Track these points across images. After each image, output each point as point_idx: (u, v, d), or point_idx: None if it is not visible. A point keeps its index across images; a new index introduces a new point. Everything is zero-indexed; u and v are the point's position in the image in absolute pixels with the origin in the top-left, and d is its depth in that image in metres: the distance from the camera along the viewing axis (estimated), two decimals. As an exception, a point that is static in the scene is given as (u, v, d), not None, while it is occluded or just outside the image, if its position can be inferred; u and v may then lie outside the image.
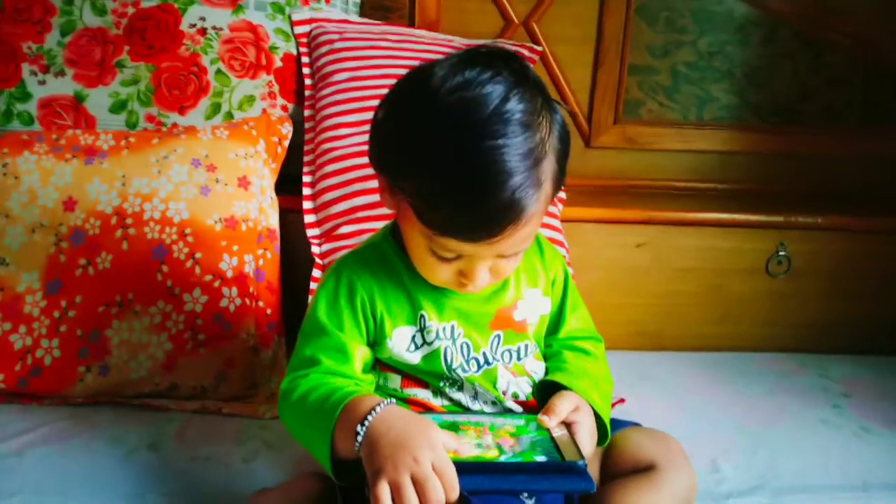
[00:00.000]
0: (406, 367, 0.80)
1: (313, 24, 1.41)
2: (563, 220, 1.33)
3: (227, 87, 1.35)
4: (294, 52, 1.40)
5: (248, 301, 1.16)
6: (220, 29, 1.36)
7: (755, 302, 1.48)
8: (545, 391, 0.82)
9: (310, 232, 1.25)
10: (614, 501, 0.75)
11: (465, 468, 0.65)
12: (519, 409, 0.81)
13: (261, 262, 1.21)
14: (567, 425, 0.75)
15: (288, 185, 1.32)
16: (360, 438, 0.66)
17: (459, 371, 0.80)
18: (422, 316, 0.79)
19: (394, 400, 0.72)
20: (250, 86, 1.37)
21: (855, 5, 1.63)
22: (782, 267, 1.46)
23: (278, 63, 1.39)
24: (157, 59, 1.33)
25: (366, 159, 1.23)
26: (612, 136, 1.63)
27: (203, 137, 1.24)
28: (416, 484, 0.62)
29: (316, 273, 1.21)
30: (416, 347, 0.80)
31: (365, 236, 1.22)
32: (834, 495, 0.94)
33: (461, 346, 0.80)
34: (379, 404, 0.68)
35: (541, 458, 0.68)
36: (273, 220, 1.27)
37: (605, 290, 1.44)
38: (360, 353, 0.79)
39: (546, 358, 0.87)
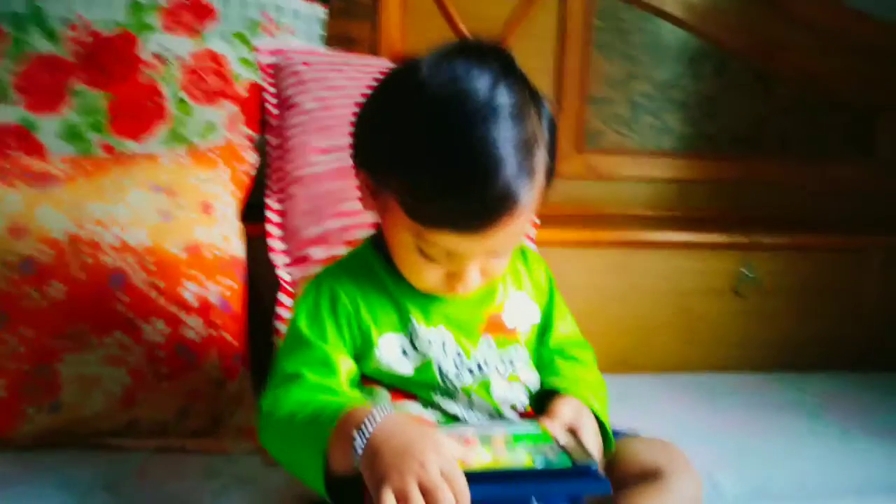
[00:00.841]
0: (395, 379, 0.76)
1: (278, 56, 1.39)
2: (534, 244, 1.32)
3: (187, 114, 1.32)
4: (258, 81, 1.38)
5: (212, 332, 1.10)
6: (182, 57, 1.33)
7: (723, 323, 1.49)
8: (542, 401, 0.79)
9: (277, 258, 1.21)
10: (622, 510, 0.72)
11: (475, 476, 0.60)
12: (517, 418, 0.77)
13: (227, 292, 1.15)
14: (570, 431, 0.72)
15: (252, 213, 1.28)
16: (358, 448, 0.61)
17: (455, 381, 0.76)
18: (411, 322, 0.76)
19: (392, 408, 0.67)
20: (212, 114, 1.33)
21: (800, 41, 1.71)
22: (749, 287, 1.48)
23: (242, 92, 1.36)
24: (114, 88, 1.29)
25: (338, 184, 1.22)
26: (574, 166, 1.64)
27: (164, 163, 1.19)
28: (424, 492, 0.57)
29: (284, 298, 1.16)
30: (407, 357, 0.76)
31: (336, 261, 1.20)
32: (832, 500, 0.94)
33: (454, 355, 0.77)
34: (377, 412, 0.63)
35: (552, 463, 0.64)
36: (237, 249, 1.21)
37: (575, 313, 1.42)
38: (346, 366, 0.74)
39: (538, 369, 0.83)
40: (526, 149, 0.66)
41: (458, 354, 0.77)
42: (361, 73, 1.37)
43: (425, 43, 1.58)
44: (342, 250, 1.16)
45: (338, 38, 1.50)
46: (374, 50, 1.51)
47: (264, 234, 1.24)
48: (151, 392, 1.03)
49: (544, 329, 0.86)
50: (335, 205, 1.20)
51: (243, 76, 1.37)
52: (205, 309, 1.10)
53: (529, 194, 0.66)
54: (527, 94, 0.68)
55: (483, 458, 0.64)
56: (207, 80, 1.33)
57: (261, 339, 1.18)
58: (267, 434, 0.71)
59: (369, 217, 1.17)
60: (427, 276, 0.72)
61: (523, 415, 0.79)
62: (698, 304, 1.47)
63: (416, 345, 0.76)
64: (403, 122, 0.67)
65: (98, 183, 1.14)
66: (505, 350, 0.79)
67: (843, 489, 0.96)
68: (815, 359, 1.52)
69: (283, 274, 1.19)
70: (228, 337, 1.13)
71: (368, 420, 0.62)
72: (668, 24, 1.67)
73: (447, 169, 0.64)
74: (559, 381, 0.80)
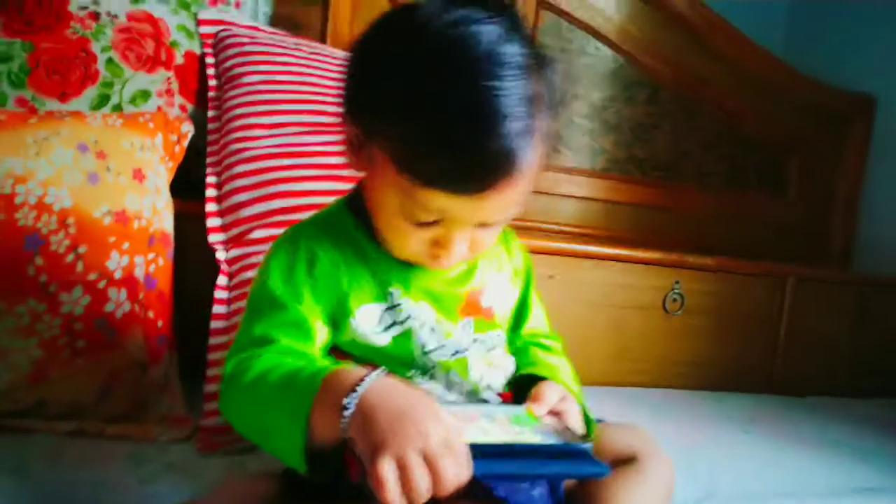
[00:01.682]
0: (369, 351, 0.69)
1: (221, 26, 1.31)
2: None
3: (118, 78, 1.21)
4: (197, 51, 1.29)
5: (136, 309, 0.99)
6: (116, 16, 1.22)
7: (652, 338, 1.52)
8: (519, 386, 0.75)
9: (213, 237, 1.11)
10: (607, 495, 0.69)
11: (475, 450, 0.55)
12: (497, 399, 0.73)
13: (152, 267, 1.05)
14: (556, 415, 0.68)
15: (182, 189, 1.18)
16: (347, 412, 0.54)
17: (434, 355, 0.70)
18: (391, 293, 0.70)
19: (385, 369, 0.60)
20: (146, 80, 1.23)
21: (723, 79, 1.81)
22: (676, 304, 1.51)
23: (179, 60, 1.26)
24: (36, 38, 1.16)
25: (283, 161, 1.15)
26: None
27: (92, 123, 1.08)
28: (427, 461, 0.51)
29: (221, 279, 1.07)
30: (385, 328, 0.70)
31: (281, 242, 1.12)
32: (776, 500, 0.95)
33: (431, 330, 0.72)
34: (369, 374, 0.57)
35: (550, 445, 0.60)
36: (167, 224, 1.11)
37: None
38: (321, 333, 0.67)
39: (512, 354, 0.80)
40: (531, 107, 0.61)
41: (436, 332, 0.72)
42: (309, 55, 1.31)
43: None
44: (287, 232, 1.09)
45: (284, 20, 1.43)
46: (321, 37, 1.46)
47: (190, 212, 1.15)
48: (66, 369, 0.91)
49: (519, 315, 0.83)
50: (281, 184, 1.13)
51: (182, 44, 1.27)
52: (130, 283, 1.00)
53: (531, 158, 0.61)
54: (534, 51, 0.64)
55: (482, 435, 0.59)
56: (143, 43, 1.23)
57: (184, 326, 1.08)
58: (231, 400, 0.63)
59: (316, 199, 1.14)
60: (410, 243, 0.66)
61: (501, 397, 0.75)
62: (630, 318, 1.49)
63: (395, 316, 0.70)
64: (401, 66, 0.61)
65: (16, 135, 1.01)
66: (484, 334, 0.75)
67: (782, 492, 0.98)
68: (729, 381, 1.57)
69: (221, 254, 1.09)
70: (153, 317, 1.02)
71: (362, 380, 0.56)
72: (607, 51, 1.72)
73: (446, 120, 0.58)
74: (538, 367, 0.76)
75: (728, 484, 0.98)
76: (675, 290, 1.51)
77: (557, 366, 0.79)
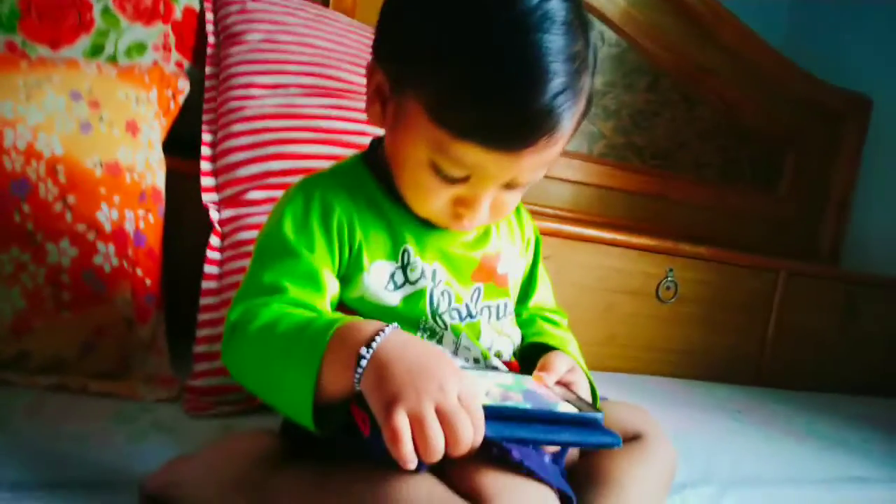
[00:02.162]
0: (378, 310, 0.67)
1: (222, -18, 1.27)
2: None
3: (114, 28, 1.16)
4: (196, 7, 1.25)
5: (125, 264, 0.96)
6: (114, -37, 1.17)
7: (642, 325, 1.51)
8: (526, 357, 0.73)
9: (206, 196, 1.08)
10: (611, 469, 0.67)
11: (490, 411, 0.53)
12: (504, 367, 0.71)
13: (142, 223, 1.01)
14: (565, 385, 0.66)
15: (173, 148, 1.14)
16: (363, 363, 0.52)
17: (446, 317, 0.68)
18: (405, 250, 0.68)
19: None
20: (143, 32, 1.19)
21: (724, 69, 1.80)
22: (670, 292, 1.51)
23: (178, 15, 1.22)
24: (28, -21, 1.11)
25: (283, 122, 1.12)
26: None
27: (86, 70, 1.04)
28: (442, 417, 0.49)
29: (214, 240, 1.03)
30: (396, 286, 0.67)
31: (277, 204, 1.09)
32: (770, 486, 0.95)
33: (442, 293, 0.69)
34: (386, 326, 0.54)
35: (562, 412, 0.58)
36: (159, 180, 1.07)
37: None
38: (332, 286, 0.65)
39: (519, 326, 0.78)
40: (576, 67, 0.59)
41: (448, 294, 0.70)
42: (311, 15, 1.28)
43: (377, 4, 1.53)
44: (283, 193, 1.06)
45: (287, -19, 1.39)
46: (324, 2, 1.42)
47: (182, 171, 1.11)
48: (50, 321, 0.87)
49: (527, 287, 0.81)
50: (279, 145, 1.09)
51: (181, -2, 1.23)
52: (119, 237, 0.96)
53: (571, 119, 0.60)
54: (579, 9, 0.61)
55: (495, 398, 0.57)
56: (141, -6, 1.18)
57: (173, 286, 1.05)
58: (235, 348, 0.60)
59: (314, 163, 1.11)
60: (433, 200, 0.64)
61: (508, 365, 0.73)
62: (622, 304, 1.48)
63: (408, 275, 0.68)
64: (446, 11, 0.58)
65: (7, 79, 0.96)
66: (494, 301, 0.73)
67: (779, 478, 0.98)
68: (717, 371, 1.57)
69: (214, 213, 1.06)
70: (142, 274, 0.99)
71: (381, 332, 0.53)
72: (610, 35, 1.71)
73: (492, 69, 0.56)
74: (546, 338, 0.74)
75: (725, 469, 0.97)
76: (669, 278, 1.50)
77: (564, 338, 0.77)
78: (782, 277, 1.61)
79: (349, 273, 0.66)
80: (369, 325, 0.54)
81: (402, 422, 0.48)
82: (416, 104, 0.60)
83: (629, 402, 0.97)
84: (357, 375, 0.52)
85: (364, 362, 0.52)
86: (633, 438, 0.72)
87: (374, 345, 0.52)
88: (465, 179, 0.62)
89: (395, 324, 0.56)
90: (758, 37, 1.81)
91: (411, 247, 0.68)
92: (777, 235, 1.89)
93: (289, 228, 0.64)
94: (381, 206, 0.68)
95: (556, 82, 0.57)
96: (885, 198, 1.95)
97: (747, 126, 1.87)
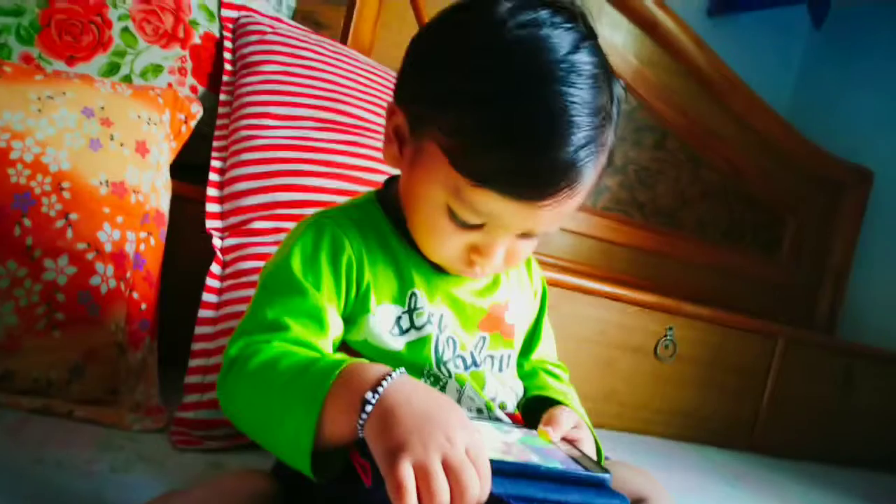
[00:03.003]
0: (382, 355, 0.65)
1: (244, 12, 1.27)
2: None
3: (132, 48, 1.16)
4: (216, 33, 1.25)
5: (122, 286, 0.94)
6: (137, -15, 1.18)
7: (640, 382, 1.49)
8: (529, 410, 0.71)
9: (211, 223, 1.06)
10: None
11: (496, 467, 0.50)
12: (507, 419, 0.69)
13: (142, 246, 0.99)
14: (570, 442, 0.64)
15: (179, 172, 1.13)
16: (368, 408, 0.49)
17: (450, 365, 0.66)
18: (413, 294, 0.66)
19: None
20: (160, 55, 1.18)
21: (732, 134, 1.83)
22: (668, 351, 1.49)
23: (196, 40, 1.22)
24: (51, -6, 1.11)
25: (293, 153, 1.11)
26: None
27: (100, 88, 1.03)
28: (449, 470, 0.47)
29: (215, 268, 1.01)
30: (402, 331, 0.65)
31: (283, 236, 1.07)
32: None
33: (447, 339, 0.67)
34: (393, 371, 0.52)
35: (569, 470, 0.56)
36: (164, 203, 1.06)
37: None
38: (335, 328, 0.63)
39: (521, 378, 0.76)
40: (600, 120, 0.58)
41: (453, 341, 0.68)
42: (329, 51, 1.28)
43: (394, 46, 1.55)
44: (289, 224, 1.05)
45: (305, 18, 1.41)
46: (343, 39, 1.43)
47: (187, 195, 1.10)
48: (40, 340, 0.85)
49: (531, 340, 0.79)
50: (289, 176, 1.09)
51: (201, 24, 1.23)
52: (119, 258, 0.94)
53: (593, 172, 0.59)
54: (606, 63, 0.62)
55: (500, 452, 0.55)
56: (162, 17, 1.19)
57: (167, 313, 1.02)
58: (232, 384, 0.57)
59: (322, 196, 1.09)
60: (447, 245, 0.63)
61: (511, 417, 0.70)
62: (621, 359, 1.46)
63: (415, 320, 0.66)
64: (473, 56, 0.58)
65: (20, 90, 0.95)
66: (497, 352, 0.71)
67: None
68: (711, 434, 1.54)
69: (217, 241, 1.04)
70: (138, 298, 0.96)
71: (388, 377, 0.51)
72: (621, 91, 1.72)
73: (515, 117, 0.55)
74: (550, 392, 0.73)
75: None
76: (668, 337, 1.48)
77: (568, 393, 0.75)
78: (780, 344, 1.60)
79: (354, 313, 0.64)
80: (376, 369, 0.52)
81: (407, 474, 0.46)
82: (434, 147, 0.59)
83: (629, 462, 0.95)
84: (361, 421, 0.50)
85: (369, 408, 0.49)
86: (637, 501, 0.70)
87: (380, 390, 0.50)
88: (479, 227, 0.61)
89: (402, 368, 0.53)
90: (765, 105, 1.84)
91: (419, 291, 0.66)
92: (775, 300, 1.89)
93: (297, 263, 0.62)
94: (392, 247, 0.67)
95: (580, 135, 0.56)
96: (882, 270, 1.96)
97: (751, 190, 1.88)
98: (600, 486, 0.56)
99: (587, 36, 0.61)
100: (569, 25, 0.59)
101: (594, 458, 0.64)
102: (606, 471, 0.57)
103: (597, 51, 0.60)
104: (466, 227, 0.61)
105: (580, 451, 0.62)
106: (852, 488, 1.41)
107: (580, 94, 0.57)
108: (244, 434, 0.87)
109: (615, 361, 1.46)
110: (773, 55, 2.21)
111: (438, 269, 0.67)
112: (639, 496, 0.70)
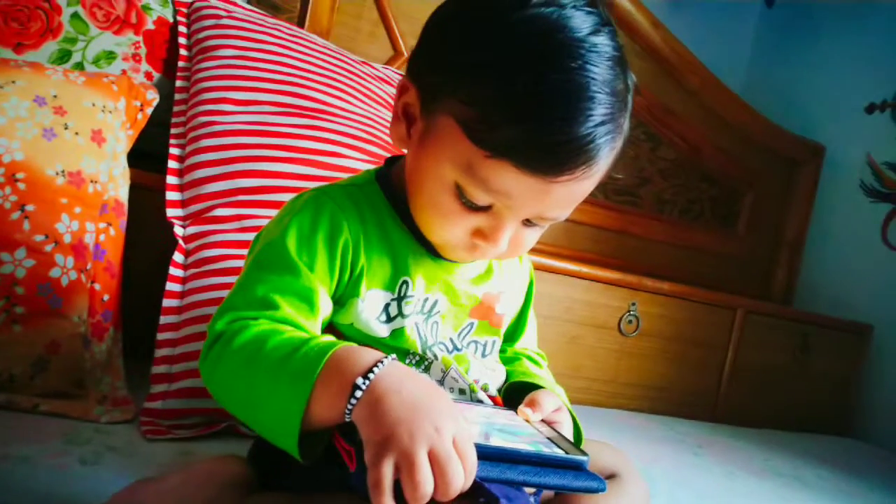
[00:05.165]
0: (368, 340, 0.64)
1: (198, -4, 1.25)
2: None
3: (83, 35, 1.13)
4: (170, 18, 1.23)
5: (83, 278, 0.92)
6: (86, -31, 1.14)
7: (605, 357, 1.51)
8: (510, 394, 0.72)
9: (171, 212, 1.05)
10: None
11: (481, 451, 0.51)
12: (489, 401, 0.70)
13: (102, 237, 0.97)
14: (549, 424, 0.65)
15: (136, 160, 1.11)
16: (358, 394, 0.49)
17: (436, 349, 0.66)
18: (405, 283, 0.65)
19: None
20: (112, 41, 1.16)
21: (689, 112, 1.85)
22: (632, 326, 1.52)
23: (150, 25, 1.20)
24: (-5, -19, 1.08)
25: (253, 139, 1.10)
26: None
27: (52, 76, 1.00)
28: (435, 461, 0.47)
29: (178, 257, 1.00)
30: (389, 318, 0.65)
31: (246, 222, 1.06)
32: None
33: (431, 325, 0.68)
34: (384, 357, 0.52)
35: (549, 454, 0.57)
36: (122, 193, 1.04)
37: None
38: (325, 309, 0.62)
39: (503, 363, 0.77)
40: (618, 103, 0.58)
41: (438, 326, 0.68)
42: (286, 35, 1.27)
43: (353, 30, 1.52)
44: (251, 211, 1.04)
45: (261, 2, 1.39)
46: (300, 22, 1.41)
47: (145, 184, 1.08)
48: (1, 335, 0.83)
49: (516, 328, 0.80)
50: (249, 162, 1.07)
51: (154, 9, 1.21)
52: (78, 250, 0.92)
53: (609, 154, 0.58)
54: (622, 54, 0.60)
55: (482, 436, 0.56)
56: (114, 2, 1.16)
57: (130, 307, 1.01)
58: (216, 360, 0.56)
59: (284, 182, 1.08)
60: (452, 228, 0.61)
61: (492, 399, 0.71)
62: (586, 335, 1.48)
63: (402, 308, 0.65)
64: (498, 27, 0.57)
65: (-34, 79, 0.93)
66: (482, 338, 0.72)
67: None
68: (675, 406, 1.58)
69: (179, 229, 1.03)
70: (100, 289, 0.95)
71: (379, 364, 0.51)
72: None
73: (539, 88, 0.54)
74: (532, 378, 0.73)
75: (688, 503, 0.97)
76: (632, 312, 1.51)
77: (548, 379, 0.76)
78: (739, 316, 1.64)
79: (344, 296, 0.64)
80: (367, 354, 0.52)
81: (387, 471, 0.46)
82: (449, 120, 0.58)
83: (595, 436, 0.97)
84: (350, 406, 0.49)
85: (359, 393, 0.49)
86: (609, 476, 0.71)
87: (371, 376, 0.50)
88: (487, 209, 0.60)
89: (394, 355, 0.53)
90: (721, 83, 1.87)
91: (412, 278, 0.66)
92: (734, 274, 1.93)
93: (292, 242, 0.61)
94: (389, 231, 0.66)
95: (600, 111, 0.55)
96: (835, 241, 2.02)
97: (708, 167, 1.91)
98: (578, 469, 0.56)
99: (606, 22, 0.60)
100: (589, 9, 0.59)
101: (571, 440, 0.65)
102: (584, 453, 0.58)
103: (615, 36, 0.60)
104: (473, 209, 0.60)
105: (559, 433, 0.63)
106: (810, 451, 1.46)
107: (601, 73, 0.56)
108: (213, 422, 0.88)
109: (581, 338, 1.48)
110: (728, 34, 2.24)
111: (434, 255, 0.67)
112: (611, 472, 0.72)
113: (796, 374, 1.74)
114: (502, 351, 0.77)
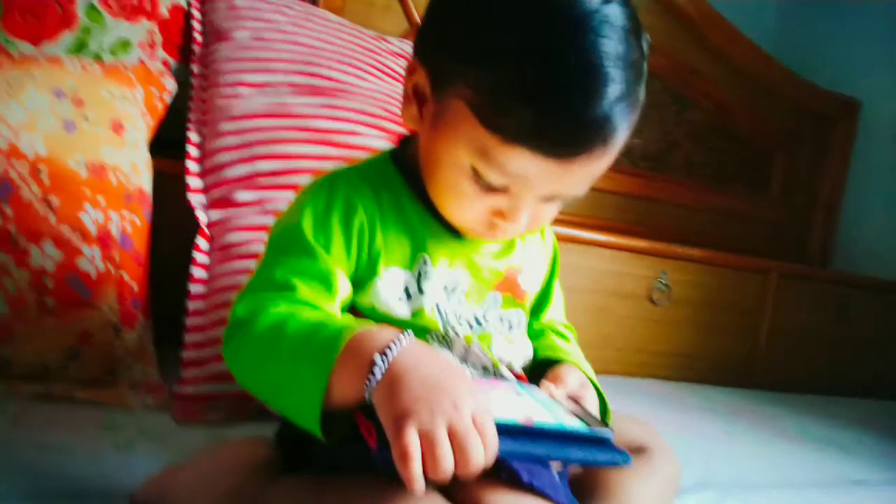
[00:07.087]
0: (387, 320, 0.64)
1: (210, -21, 1.24)
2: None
3: (98, 25, 1.13)
4: (183, 3, 1.22)
5: (111, 268, 0.93)
6: (98, -41, 1.14)
7: (634, 327, 1.50)
8: (536, 370, 0.71)
9: (193, 198, 1.05)
10: (615, 483, 0.66)
11: (502, 428, 0.50)
12: (512, 377, 0.69)
13: (128, 226, 0.98)
14: (574, 399, 0.64)
15: (157, 149, 1.11)
16: (377, 372, 0.49)
17: (458, 327, 0.66)
18: (424, 260, 0.65)
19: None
20: (128, 30, 1.16)
21: (714, 71, 1.80)
22: (663, 295, 1.50)
23: (164, 12, 1.20)
24: (11, -25, 1.08)
25: (272, 121, 1.09)
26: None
27: (69, 68, 1.01)
28: (454, 438, 0.47)
29: (201, 243, 1.01)
30: (409, 297, 0.64)
31: (268, 206, 1.06)
32: (770, 489, 0.94)
33: (454, 304, 0.67)
34: (401, 335, 0.52)
35: (574, 428, 0.56)
36: (146, 182, 1.05)
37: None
38: (343, 290, 0.62)
39: (530, 338, 0.76)
40: (635, 73, 0.56)
41: (462, 303, 0.67)
42: (299, 13, 1.25)
43: (367, 5, 1.49)
44: (272, 194, 1.04)
45: (275, -21, 1.37)
46: (311, 0, 1.40)
47: (169, 172, 1.09)
48: (33, 327, 0.85)
49: (541, 301, 0.78)
50: (268, 145, 1.07)
51: (168, -5, 1.20)
52: (105, 241, 0.93)
53: (626, 129, 0.57)
54: (636, 20, 0.58)
55: (504, 412, 0.55)
56: (127, -10, 1.16)
57: (155, 292, 1.02)
58: (238, 345, 0.57)
59: (304, 163, 1.08)
60: (470, 209, 0.61)
61: (516, 376, 0.71)
62: (615, 306, 1.47)
63: (423, 286, 0.65)
64: (502, 8, 0.55)
65: (-15, 75, 0.94)
66: (507, 311, 0.71)
67: (778, 482, 0.97)
68: (710, 374, 1.56)
69: (202, 215, 1.04)
70: (128, 278, 0.96)
71: (396, 341, 0.51)
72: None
73: (550, 68, 0.53)
74: (557, 352, 0.72)
75: (723, 473, 0.96)
76: (662, 281, 1.49)
77: (575, 354, 0.75)
78: (773, 279, 1.61)
79: (363, 277, 0.63)
80: (385, 333, 0.52)
81: (412, 441, 0.46)
82: (461, 104, 0.56)
83: (626, 407, 0.96)
84: (369, 385, 0.49)
85: (378, 371, 0.49)
86: (636, 451, 0.70)
87: (389, 354, 0.50)
88: (504, 189, 0.59)
89: (411, 332, 0.53)
90: (747, 39, 1.81)
91: (431, 255, 0.65)
92: (767, 237, 1.89)
93: (308, 224, 0.61)
94: (406, 210, 0.65)
95: (615, 88, 0.54)
96: (873, 200, 1.96)
97: (737, 128, 1.87)
98: (602, 443, 0.56)
99: None
100: None
101: (597, 415, 0.64)
102: (609, 427, 0.57)
103: (628, 7, 0.57)
104: (490, 190, 0.59)
105: (583, 408, 0.62)
106: (849, 416, 1.43)
107: (613, 47, 0.54)
108: (243, 405, 0.89)
109: (609, 308, 1.46)
110: (754, -11, 2.17)
111: (453, 232, 0.66)
112: (639, 445, 0.72)
113: (836, 337, 1.70)
114: (528, 325, 0.77)
